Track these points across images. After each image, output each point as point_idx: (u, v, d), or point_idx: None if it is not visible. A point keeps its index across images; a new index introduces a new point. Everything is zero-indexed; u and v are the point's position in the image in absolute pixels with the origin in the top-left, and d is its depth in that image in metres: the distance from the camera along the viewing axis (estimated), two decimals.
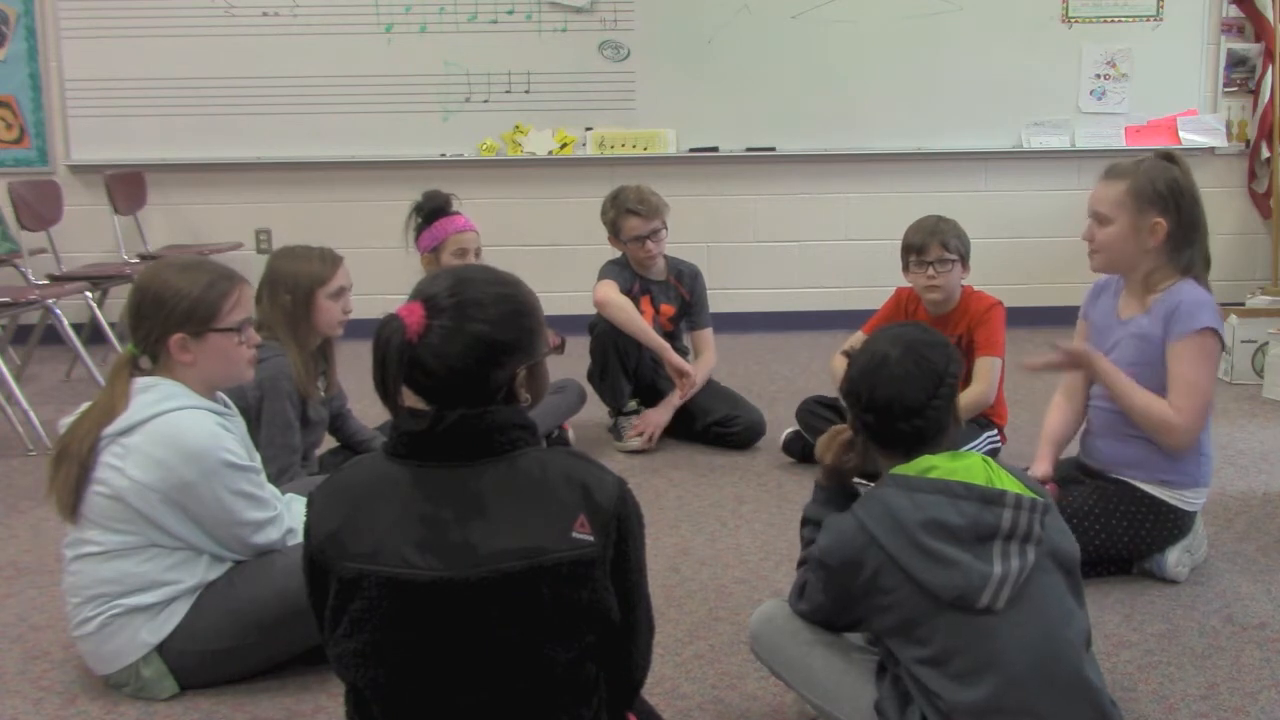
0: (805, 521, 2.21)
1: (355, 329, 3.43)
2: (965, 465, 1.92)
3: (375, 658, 1.64)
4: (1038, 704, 1.82)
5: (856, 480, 2.25)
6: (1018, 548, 1.86)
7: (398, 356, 1.60)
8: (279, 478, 2.96)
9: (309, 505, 1.72)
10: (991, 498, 1.86)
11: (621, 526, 1.68)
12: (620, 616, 1.70)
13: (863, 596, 1.94)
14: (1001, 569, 1.84)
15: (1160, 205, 2.82)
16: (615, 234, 4.25)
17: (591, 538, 1.63)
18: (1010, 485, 1.90)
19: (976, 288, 3.87)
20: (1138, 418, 2.83)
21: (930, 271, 3.70)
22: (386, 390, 1.61)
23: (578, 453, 1.77)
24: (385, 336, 1.61)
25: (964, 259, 3.73)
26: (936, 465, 1.92)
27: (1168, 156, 2.89)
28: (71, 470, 2.36)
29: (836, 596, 1.99)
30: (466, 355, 1.63)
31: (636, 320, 4.14)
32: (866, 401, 1.97)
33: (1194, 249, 2.86)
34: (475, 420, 1.64)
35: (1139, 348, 2.87)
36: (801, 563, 2.16)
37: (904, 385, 1.94)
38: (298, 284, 3.11)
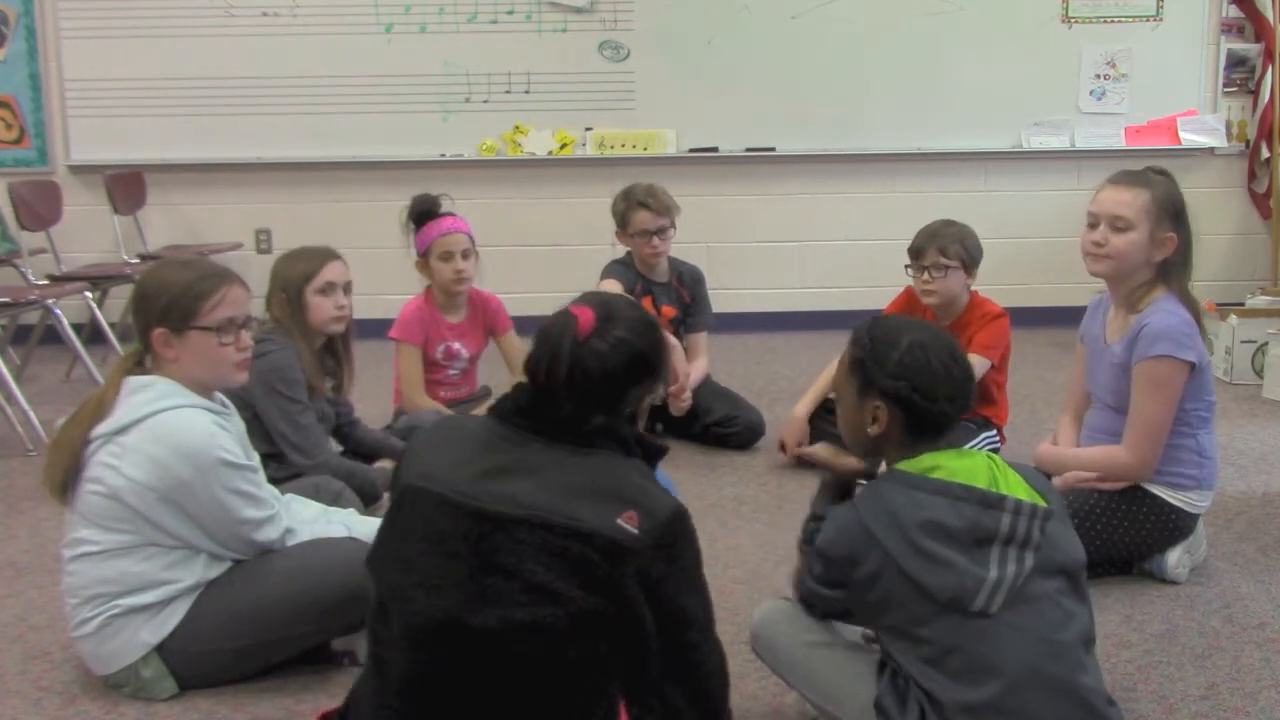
0: (815, 517, 2.19)
1: (356, 329, 3.44)
2: (969, 465, 1.91)
3: (407, 565, 1.74)
4: (1032, 707, 1.82)
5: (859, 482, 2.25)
6: (1016, 553, 1.85)
7: (568, 351, 1.77)
8: (313, 454, 3.14)
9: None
10: (991, 501, 1.86)
11: (668, 536, 1.72)
12: (670, 642, 1.73)
13: (854, 589, 1.94)
14: (997, 573, 1.84)
15: (1174, 221, 2.84)
16: (623, 227, 4.25)
17: (636, 531, 1.68)
18: (1016, 487, 1.90)
19: (978, 289, 3.87)
20: (1102, 474, 2.89)
21: (925, 276, 3.73)
22: (547, 377, 1.78)
23: (652, 475, 1.83)
24: (558, 329, 1.79)
25: (966, 267, 3.73)
26: (941, 465, 1.91)
27: (1163, 173, 2.90)
28: (63, 456, 2.38)
29: (833, 584, 2.00)
30: (622, 364, 1.79)
31: None
32: (916, 380, 1.93)
33: (1181, 270, 2.87)
34: (585, 416, 1.78)
35: (1116, 375, 2.90)
36: (808, 540, 2.16)
37: (951, 366, 1.95)
38: (288, 283, 3.21)
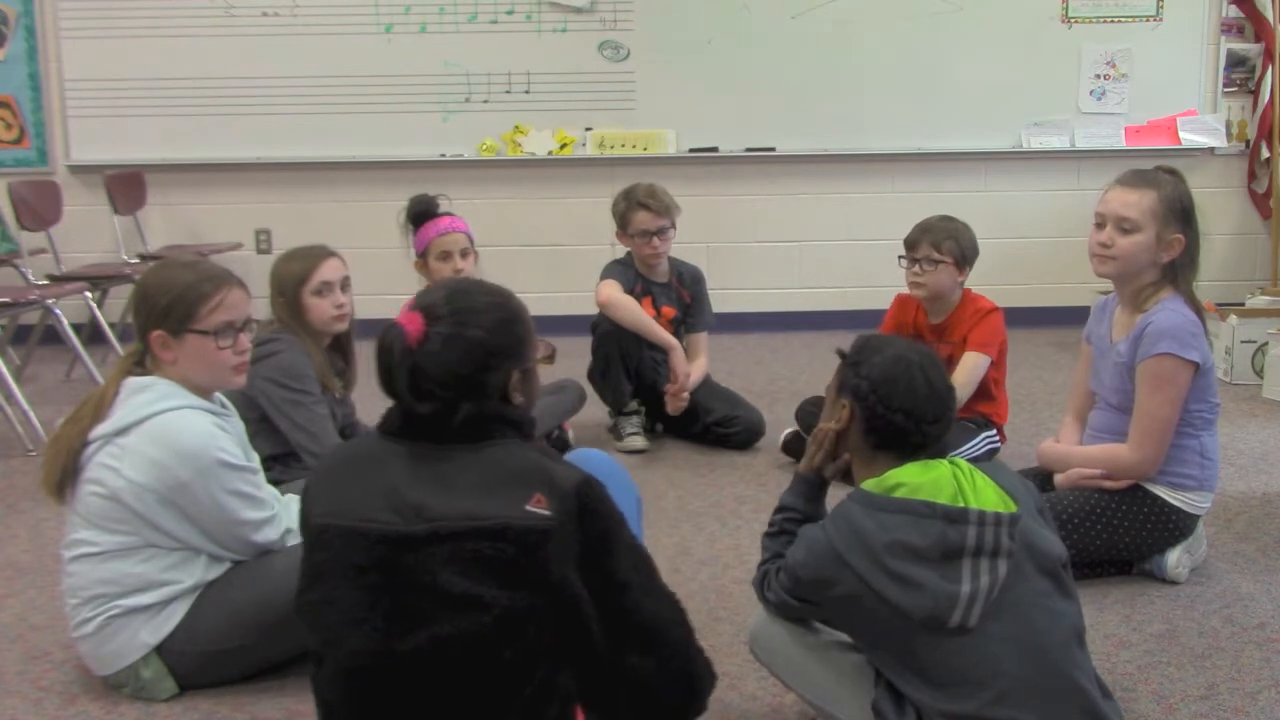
0: (781, 508, 2.21)
1: (358, 329, 3.43)
2: (933, 479, 1.89)
3: (330, 606, 1.73)
4: (1026, 714, 1.81)
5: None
6: (988, 563, 1.84)
7: (400, 362, 1.73)
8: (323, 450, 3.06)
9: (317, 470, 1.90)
10: (955, 516, 1.84)
11: (584, 506, 1.71)
12: (614, 610, 1.72)
13: (829, 605, 1.97)
14: (970, 587, 1.83)
15: (1182, 221, 2.82)
16: (623, 227, 4.25)
17: (548, 512, 1.68)
18: (986, 492, 1.88)
19: (979, 289, 3.87)
20: (1105, 472, 2.89)
21: (916, 269, 3.74)
22: (395, 392, 1.76)
23: (552, 452, 1.83)
24: (388, 343, 1.75)
25: (959, 263, 3.72)
26: (904, 482, 1.90)
27: (1173, 172, 2.89)
28: (60, 455, 2.38)
29: (803, 599, 2.02)
30: (464, 360, 1.75)
31: (643, 318, 4.14)
32: (881, 385, 1.96)
33: (1189, 271, 2.86)
34: (453, 410, 1.74)
35: (1120, 374, 2.89)
36: (774, 535, 2.17)
37: (933, 388, 1.97)
38: (284, 285, 3.18)
